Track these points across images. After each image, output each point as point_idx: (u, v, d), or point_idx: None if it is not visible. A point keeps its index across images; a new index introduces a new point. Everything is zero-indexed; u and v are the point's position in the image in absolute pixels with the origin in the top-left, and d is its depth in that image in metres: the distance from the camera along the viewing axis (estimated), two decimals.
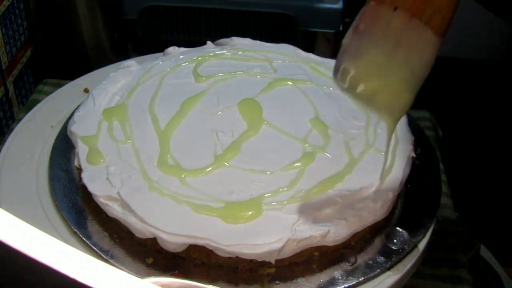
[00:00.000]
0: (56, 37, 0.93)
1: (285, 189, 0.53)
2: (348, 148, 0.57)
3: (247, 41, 0.74)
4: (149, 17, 0.95)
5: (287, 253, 0.48)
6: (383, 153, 0.57)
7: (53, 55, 0.94)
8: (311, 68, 0.68)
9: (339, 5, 0.94)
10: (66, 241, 0.48)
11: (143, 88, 0.64)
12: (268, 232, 0.48)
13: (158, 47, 0.74)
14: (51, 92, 0.71)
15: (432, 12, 0.45)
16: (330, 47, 0.98)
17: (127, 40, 1.00)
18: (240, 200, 0.51)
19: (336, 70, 0.46)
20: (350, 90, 0.46)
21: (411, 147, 0.58)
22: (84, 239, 0.51)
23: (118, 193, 0.51)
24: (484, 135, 1.37)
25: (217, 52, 0.70)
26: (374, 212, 0.51)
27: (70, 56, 0.94)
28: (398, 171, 0.55)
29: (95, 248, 0.51)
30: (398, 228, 0.53)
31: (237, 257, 0.48)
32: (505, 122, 1.35)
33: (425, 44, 0.45)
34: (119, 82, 0.65)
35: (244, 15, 0.94)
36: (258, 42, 0.74)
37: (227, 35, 0.74)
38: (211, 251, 0.48)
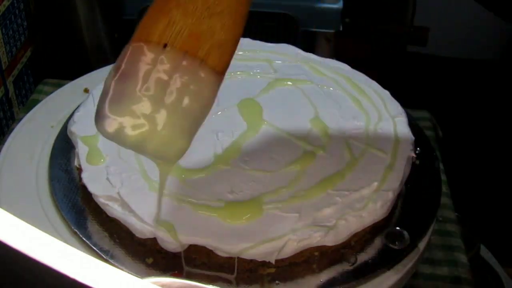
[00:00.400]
0: (56, 37, 0.93)
1: (285, 189, 0.53)
2: (348, 147, 0.57)
3: (247, 41, 0.74)
4: None
5: (287, 253, 0.48)
6: (383, 153, 0.57)
7: (53, 55, 0.94)
8: (311, 68, 0.68)
9: (339, 5, 0.94)
10: (66, 241, 0.48)
11: None
12: (268, 232, 0.48)
13: None
14: (51, 92, 0.71)
15: (210, 48, 0.40)
16: (330, 47, 0.98)
17: (127, 40, 1.00)
18: (240, 200, 0.51)
19: (98, 116, 0.40)
20: (116, 138, 0.40)
21: (411, 147, 0.58)
22: (84, 239, 0.51)
23: (118, 193, 0.51)
24: (484, 135, 1.37)
25: None
26: (374, 212, 0.51)
27: (70, 56, 0.94)
28: (398, 171, 0.55)
29: (95, 248, 0.51)
30: (398, 228, 0.53)
31: (237, 257, 0.48)
32: (505, 122, 1.35)
33: (202, 84, 0.40)
34: None
35: None
36: (258, 42, 0.74)
37: None
38: (211, 251, 0.48)
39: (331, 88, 0.65)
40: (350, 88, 0.65)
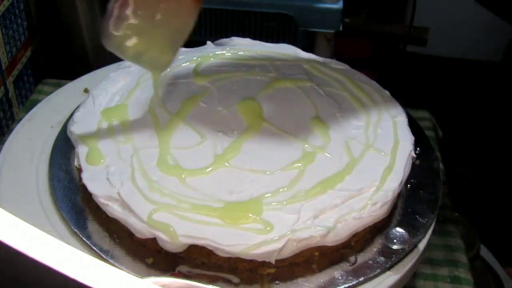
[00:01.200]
0: (56, 37, 0.93)
1: (285, 189, 0.52)
2: (348, 148, 0.57)
3: (247, 41, 0.74)
4: None
5: (287, 253, 0.48)
6: (383, 153, 0.57)
7: (53, 55, 0.94)
8: (311, 68, 0.68)
9: (339, 5, 0.94)
10: (66, 241, 0.48)
11: (143, 88, 0.64)
12: (268, 232, 0.48)
13: None
14: (51, 92, 0.71)
15: None
16: (330, 47, 0.98)
17: None
18: (240, 200, 0.51)
19: (103, 34, 0.51)
20: (118, 51, 0.53)
21: (411, 147, 0.58)
22: (84, 239, 0.51)
23: (118, 193, 0.51)
24: (484, 135, 1.37)
25: (217, 52, 0.70)
26: (374, 212, 0.51)
27: (70, 56, 0.94)
28: (398, 171, 0.55)
29: (95, 248, 0.51)
30: (398, 228, 0.53)
31: (237, 257, 0.48)
32: (505, 122, 1.35)
33: (184, 10, 0.53)
34: (119, 82, 0.65)
35: (244, 15, 0.94)
36: (258, 42, 0.74)
37: (227, 35, 0.74)
38: (211, 251, 0.48)
39: (331, 88, 0.65)
40: (350, 88, 0.65)
